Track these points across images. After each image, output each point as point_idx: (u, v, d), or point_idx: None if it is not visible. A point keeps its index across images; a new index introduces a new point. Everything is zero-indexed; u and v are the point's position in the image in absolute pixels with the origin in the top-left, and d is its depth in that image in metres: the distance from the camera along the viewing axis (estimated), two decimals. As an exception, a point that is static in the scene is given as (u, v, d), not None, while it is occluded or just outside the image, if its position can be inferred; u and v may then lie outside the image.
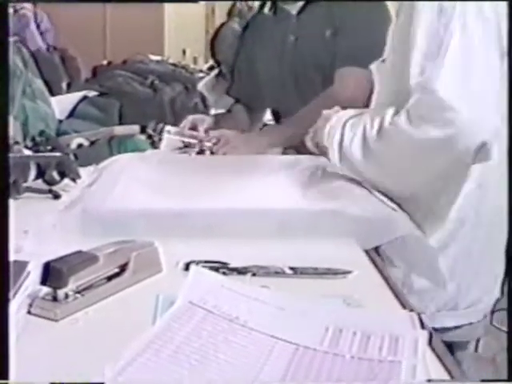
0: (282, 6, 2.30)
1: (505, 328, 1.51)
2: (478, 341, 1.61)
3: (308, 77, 2.26)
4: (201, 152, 2.14)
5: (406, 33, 1.43)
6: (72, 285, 1.01)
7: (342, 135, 1.50)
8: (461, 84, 1.35)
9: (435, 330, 1.04)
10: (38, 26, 5.65)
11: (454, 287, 1.50)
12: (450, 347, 1.47)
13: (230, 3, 5.96)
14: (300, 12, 2.25)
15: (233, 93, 2.50)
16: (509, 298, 1.36)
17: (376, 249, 1.34)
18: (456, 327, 1.51)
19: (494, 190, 1.48)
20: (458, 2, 1.38)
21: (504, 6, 1.40)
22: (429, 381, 0.84)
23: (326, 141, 1.54)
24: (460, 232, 1.49)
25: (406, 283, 1.46)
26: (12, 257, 1.08)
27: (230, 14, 5.83)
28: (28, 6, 5.61)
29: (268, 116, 2.55)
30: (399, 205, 1.42)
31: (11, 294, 1.01)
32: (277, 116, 2.43)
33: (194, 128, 2.31)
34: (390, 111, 1.43)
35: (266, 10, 2.35)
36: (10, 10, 5.32)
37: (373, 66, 1.59)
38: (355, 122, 1.50)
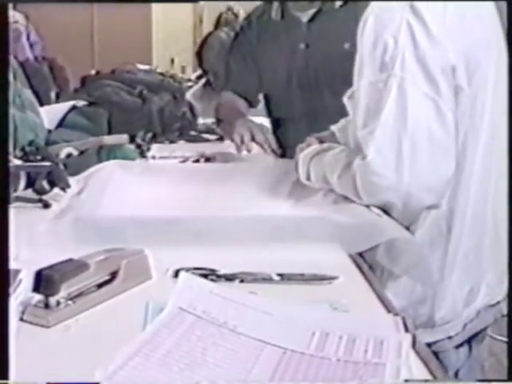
0: (292, 13, 2.24)
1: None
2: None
3: (317, 86, 2.23)
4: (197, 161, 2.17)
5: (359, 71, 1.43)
6: (63, 292, 1.02)
7: (308, 172, 1.59)
8: (395, 155, 1.36)
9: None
10: (27, 39, 5.64)
11: (429, 305, 1.49)
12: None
13: (217, 12, 5.99)
14: (311, 20, 2.21)
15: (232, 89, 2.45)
16: (509, 297, 1.38)
17: (361, 255, 1.36)
18: (434, 342, 1.50)
19: (469, 205, 1.46)
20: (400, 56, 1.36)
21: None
22: (406, 381, 0.86)
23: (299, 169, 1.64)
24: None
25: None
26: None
27: (217, 23, 5.87)
28: (21, 20, 5.60)
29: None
30: (384, 211, 1.44)
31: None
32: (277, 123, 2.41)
33: None
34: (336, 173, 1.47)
35: (273, 14, 2.29)
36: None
37: (345, 99, 1.60)
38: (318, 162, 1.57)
